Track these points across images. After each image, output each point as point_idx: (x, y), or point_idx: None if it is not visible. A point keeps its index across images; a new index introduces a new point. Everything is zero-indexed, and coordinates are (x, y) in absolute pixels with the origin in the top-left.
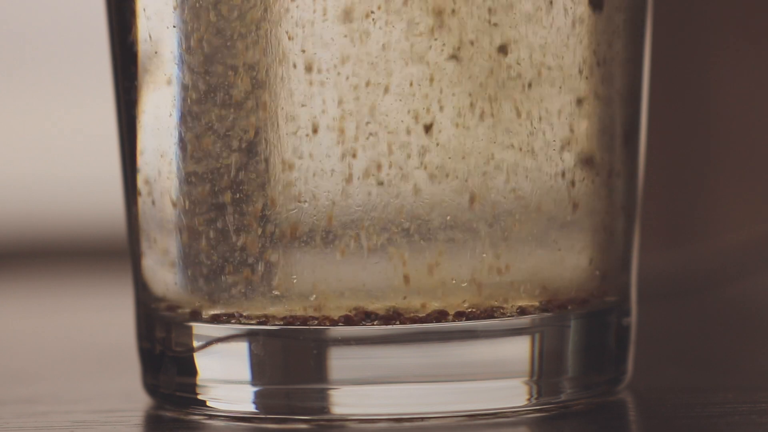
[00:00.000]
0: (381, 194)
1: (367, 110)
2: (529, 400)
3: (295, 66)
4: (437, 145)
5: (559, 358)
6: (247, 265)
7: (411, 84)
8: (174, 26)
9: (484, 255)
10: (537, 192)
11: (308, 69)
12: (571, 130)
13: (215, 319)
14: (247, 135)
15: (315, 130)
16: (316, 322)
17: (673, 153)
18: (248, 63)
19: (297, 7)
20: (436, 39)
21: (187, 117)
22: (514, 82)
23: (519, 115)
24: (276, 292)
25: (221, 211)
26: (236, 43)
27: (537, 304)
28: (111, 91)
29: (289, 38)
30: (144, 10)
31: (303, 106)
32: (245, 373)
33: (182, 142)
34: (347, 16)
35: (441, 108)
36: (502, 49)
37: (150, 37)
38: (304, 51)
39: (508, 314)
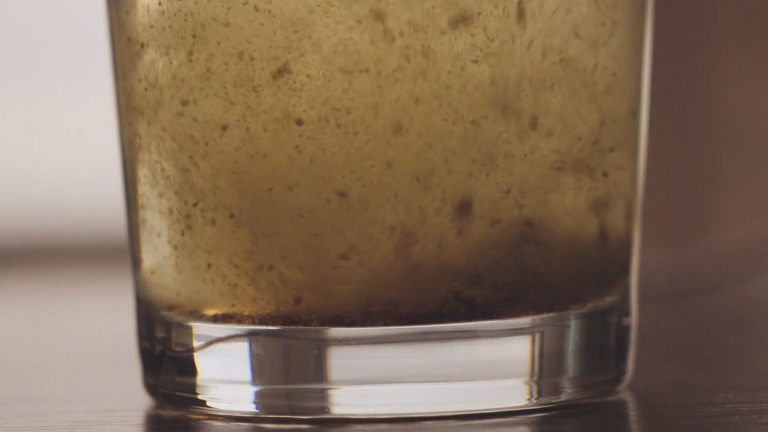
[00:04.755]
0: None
1: None
2: (529, 400)
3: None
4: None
5: (559, 358)
6: (247, 265)
7: None
8: (172, 26)
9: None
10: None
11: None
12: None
13: (215, 319)
14: (245, 132)
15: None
16: (316, 322)
17: (674, 152)
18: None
19: None
20: None
21: (187, 116)
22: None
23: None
24: (276, 292)
25: (221, 211)
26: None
27: (537, 303)
28: (111, 89)
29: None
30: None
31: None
32: (245, 373)
33: (182, 142)
34: None
35: None
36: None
37: (150, 37)
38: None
39: (508, 314)
